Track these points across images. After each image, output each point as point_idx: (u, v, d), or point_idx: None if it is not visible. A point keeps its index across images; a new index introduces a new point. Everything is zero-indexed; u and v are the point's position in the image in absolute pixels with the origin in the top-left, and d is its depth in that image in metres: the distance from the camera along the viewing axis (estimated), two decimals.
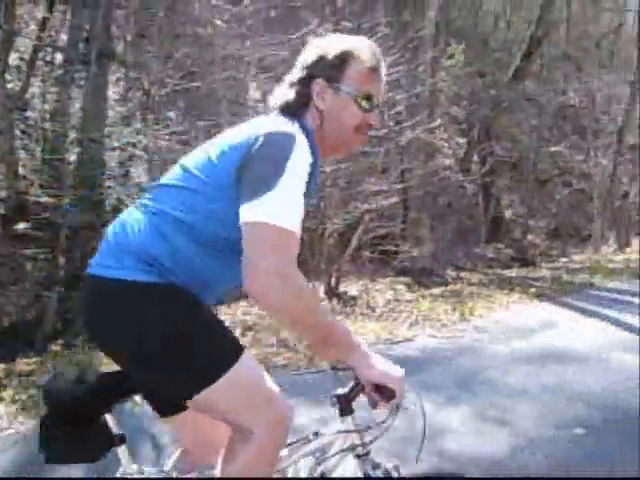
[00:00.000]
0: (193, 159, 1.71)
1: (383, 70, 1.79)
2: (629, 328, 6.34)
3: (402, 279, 8.76)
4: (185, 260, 1.64)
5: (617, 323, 6.55)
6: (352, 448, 1.68)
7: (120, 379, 1.74)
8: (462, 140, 15.80)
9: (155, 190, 1.74)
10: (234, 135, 1.69)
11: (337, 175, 7.11)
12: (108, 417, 1.74)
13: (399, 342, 5.75)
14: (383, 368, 1.59)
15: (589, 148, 16.79)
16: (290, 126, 1.65)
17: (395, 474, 1.71)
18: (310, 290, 1.72)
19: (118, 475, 1.76)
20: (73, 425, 1.72)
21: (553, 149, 16.58)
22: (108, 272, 1.62)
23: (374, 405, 1.61)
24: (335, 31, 5.86)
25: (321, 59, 1.75)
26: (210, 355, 1.61)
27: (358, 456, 1.69)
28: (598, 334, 6.09)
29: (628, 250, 13.16)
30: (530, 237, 15.33)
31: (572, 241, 16.10)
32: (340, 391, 1.66)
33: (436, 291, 8.15)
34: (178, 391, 1.63)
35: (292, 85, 1.78)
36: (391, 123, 8.42)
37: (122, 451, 1.74)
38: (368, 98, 1.74)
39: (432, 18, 9.92)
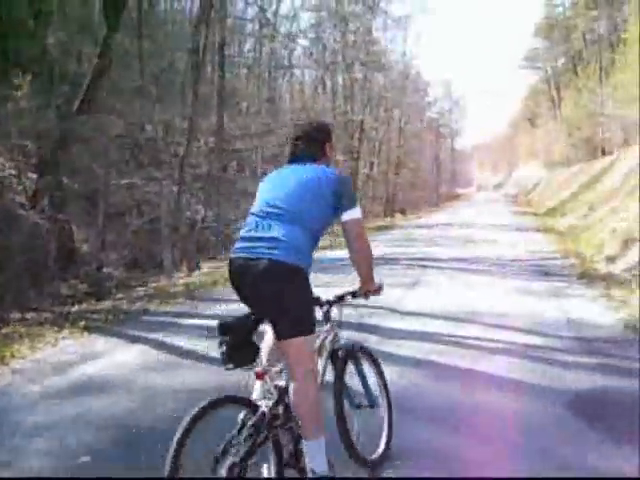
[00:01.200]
0: (283, 195, 3.28)
1: None
2: (170, 349, 6.83)
3: None
4: (310, 254, 3.24)
5: (160, 346, 6.99)
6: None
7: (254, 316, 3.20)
8: (33, 175, 15.34)
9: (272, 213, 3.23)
10: (299, 178, 3.33)
11: None
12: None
13: None
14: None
15: (160, 178, 17.59)
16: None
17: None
18: None
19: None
20: (240, 343, 3.08)
21: (125, 181, 17.01)
22: (284, 257, 3.07)
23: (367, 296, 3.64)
24: None
25: (325, 131, 3.63)
26: (310, 321, 3.16)
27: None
28: (138, 359, 6.43)
29: (195, 274, 14.05)
30: (107, 270, 15.43)
31: (152, 270, 16.62)
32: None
33: None
34: (291, 330, 3.09)
35: (310, 145, 3.51)
36: None
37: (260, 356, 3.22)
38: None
39: None
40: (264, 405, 3.09)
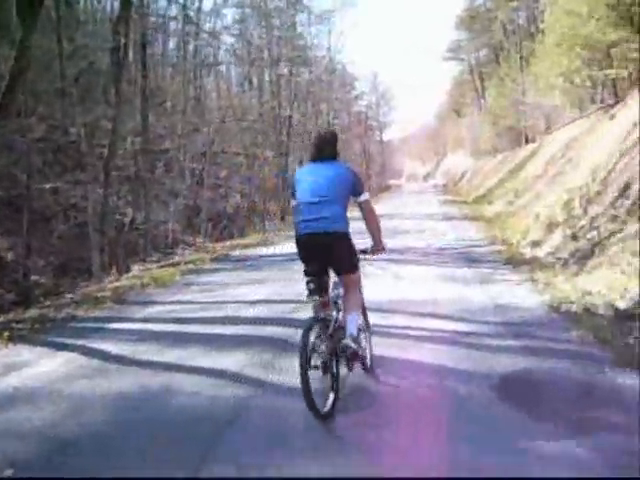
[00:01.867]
0: (319, 188, 4.88)
1: None
2: (98, 355, 6.71)
3: None
4: (347, 222, 4.94)
5: (87, 352, 6.87)
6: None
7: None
8: None
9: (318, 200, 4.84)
10: (328, 174, 4.93)
11: None
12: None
13: None
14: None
15: (85, 181, 17.25)
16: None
17: None
18: None
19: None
20: (318, 283, 4.90)
21: (49, 185, 16.63)
22: (336, 228, 4.82)
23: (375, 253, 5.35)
24: None
25: (336, 137, 5.25)
26: (357, 263, 5.07)
27: None
28: (64, 367, 6.30)
29: (125, 277, 13.82)
30: (34, 277, 15.06)
31: (81, 275, 16.28)
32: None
33: None
34: (348, 269, 5.02)
35: (331, 148, 5.09)
36: None
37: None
38: None
39: None
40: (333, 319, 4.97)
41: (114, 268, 15.41)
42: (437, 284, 9.94)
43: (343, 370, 4.90)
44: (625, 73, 18.31)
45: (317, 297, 4.91)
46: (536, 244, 13.34)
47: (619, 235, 9.65)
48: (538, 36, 31.15)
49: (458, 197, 41.05)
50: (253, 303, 9.21)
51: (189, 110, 25.99)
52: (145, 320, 8.54)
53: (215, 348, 6.70)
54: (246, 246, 18.79)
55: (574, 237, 11.60)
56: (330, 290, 5.16)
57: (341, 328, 4.92)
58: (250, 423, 4.65)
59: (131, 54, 21.00)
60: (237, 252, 17.24)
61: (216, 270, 13.61)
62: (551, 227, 13.52)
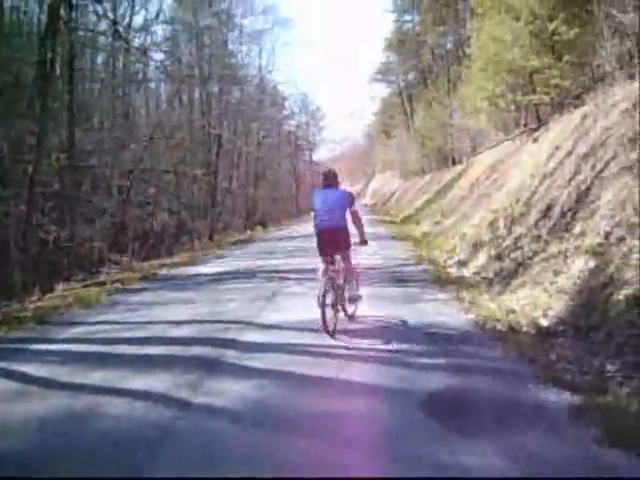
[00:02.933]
0: (329, 203, 8.23)
1: None
2: (18, 378, 6.50)
3: None
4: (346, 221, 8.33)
5: (7, 375, 6.65)
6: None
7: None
8: None
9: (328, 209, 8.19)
10: (334, 195, 8.36)
11: None
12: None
13: None
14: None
15: (8, 197, 16.75)
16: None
17: None
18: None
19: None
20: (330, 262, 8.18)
21: None
22: (340, 224, 8.14)
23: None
24: None
25: (336, 174, 8.76)
26: (350, 245, 8.37)
27: None
28: None
29: (49, 296, 13.43)
30: None
31: (2, 294, 15.71)
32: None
33: None
34: (345, 248, 8.30)
35: (334, 180, 8.56)
36: None
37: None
38: None
39: None
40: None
41: (37, 287, 14.95)
42: (365, 303, 9.98)
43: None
44: (547, 98, 18.91)
45: (330, 265, 8.02)
46: (462, 264, 13.61)
47: (542, 255, 9.91)
48: (465, 60, 31.97)
49: (387, 217, 41.55)
50: (180, 323, 9.08)
51: (117, 126, 25.58)
52: (69, 341, 8.32)
53: (141, 369, 6.57)
54: (174, 265, 18.55)
55: (499, 257, 11.87)
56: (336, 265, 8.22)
57: (340, 288, 8.19)
58: (178, 445, 4.56)
59: (58, 68, 20.53)
60: (165, 271, 17.00)
61: (143, 289, 13.37)
62: (477, 247, 13.81)
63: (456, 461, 4.05)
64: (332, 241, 8.12)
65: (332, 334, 7.54)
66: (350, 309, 8.56)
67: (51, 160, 19.91)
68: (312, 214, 8.50)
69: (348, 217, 8.31)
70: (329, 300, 7.71)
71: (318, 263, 8.26)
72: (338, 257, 8.22)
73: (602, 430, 4.32)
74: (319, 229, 8.21)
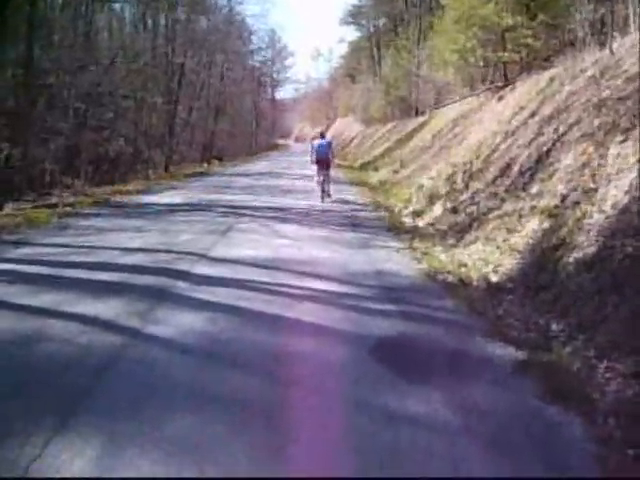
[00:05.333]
0: (322, 146, 17.00)
1: None
2: None
3: None
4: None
5: None
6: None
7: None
8: None
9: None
10: (325, 142, 17.47)
11: None
12: None
13: None
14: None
15: None
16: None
17: None
18: None
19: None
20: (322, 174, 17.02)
21: None
22: (327, 156, 17.23)
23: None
24: None
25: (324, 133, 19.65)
26: (330, 165, 17.67)
27: None
28: None
29: None
30: None
31: None
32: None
33: None
34: (329, 167, 17.17)
35: (324, 135, 18.96)
36: None
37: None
38: None
39: None
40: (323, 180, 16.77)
41: None
42: (319, 245, 10.01)
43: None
44: (517, 57, 18.92)
45: (321, 175, 16.52)
46: (417, 214, 13.68)
47: (497, 212, 10.01)
48: (438, 11, 31.61)
49: (345, 162, 41.40)
50: (132, 251, 8.99)
51: (78, 46, 24.69)
52: (17, 261, 8.17)
53: (90, 294, 6.49)
54: (128, 193, 18.31)
55: (454, 210, 11.96)
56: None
57: (326, 183, 16.66)
58: (124, 371, 4.54)
59: None
60: (118, 198, 16.77)
61: (95, 215, 13.18)
62: (433, 199, 13.89)
63: (403, 406, 4.12)
64: (323, 163, 16.56)
65: (323, 204, 16.04)
66: (328, 196, 16.69)
67: (7, 75, 19.20)
68: (310, 151, 17.37)
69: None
70: (320, 187, 16.65)
71: (315, 174, 17.00)
72: (327, 172, 16.72)
73: (543, 386, 4.43)
74: (318, 157, 16.64)
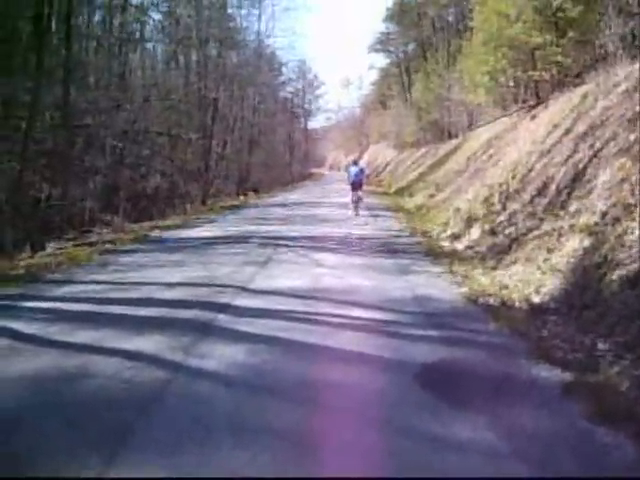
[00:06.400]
0: (356, 171, 21.33)
1: None
2: (10, 335, 6.47)
3: None
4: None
5: None
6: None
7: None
8: None
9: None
10: (358, 168, 21.93)
11: None
12: None
13: None
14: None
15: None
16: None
17: None
18: None
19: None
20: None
21: None
22: (359, 180, 21.77)
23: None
24: None
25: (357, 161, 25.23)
26: (362, 186, 22.59)
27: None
28: None
29: (39, 255, 13.37)
30: None
31: None
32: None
33: None
34: (361, 189, 21.55)
35: (357, 161, 25.35)
36: None
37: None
38: None
39: None
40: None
41: (28, 245, 14.88)
42: (358, 273, 9.99)
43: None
44: (547, 76, 18.82)
45: (355, 196, 20.47)
46: (455, 237, 13.61)
47: (536, 232, 9.91)
48: (466, 34, 31.70)
49: (380, 188, 41.45)
50: (172, 285, 9.06)
51: (112, 86, 25.26)
52: (60, 299, 8.28)
53: (132, 330, 6.55)
54: (166, 228, 18.49)
55: (492, 232, 11.88)
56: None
57: (358, 201, 20.63)
58: (168, 406, 4.55)
59: (54, 24, 20.18)
60: (157, 233, 16.95)
61: (134, 251, 13.33)
62: (470, 221, 13.81)
63: (448, 432, 4.06)
64: (356, 184, 20.39)
65: (355, 215, 19.77)
66: (360, 214, 19.99)
67: (45, 117, 19.68)
68: (346, 175, 22.39)
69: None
70: (353, 207, 20.17)
71: (348, 194, 20.72)
72: (359, 193, 20.45)
73: (592, 407, 4.34)
74: (351, 181, 20.56)
